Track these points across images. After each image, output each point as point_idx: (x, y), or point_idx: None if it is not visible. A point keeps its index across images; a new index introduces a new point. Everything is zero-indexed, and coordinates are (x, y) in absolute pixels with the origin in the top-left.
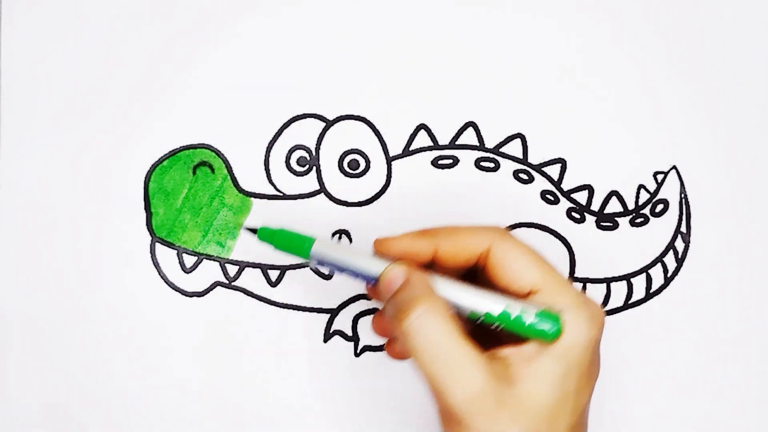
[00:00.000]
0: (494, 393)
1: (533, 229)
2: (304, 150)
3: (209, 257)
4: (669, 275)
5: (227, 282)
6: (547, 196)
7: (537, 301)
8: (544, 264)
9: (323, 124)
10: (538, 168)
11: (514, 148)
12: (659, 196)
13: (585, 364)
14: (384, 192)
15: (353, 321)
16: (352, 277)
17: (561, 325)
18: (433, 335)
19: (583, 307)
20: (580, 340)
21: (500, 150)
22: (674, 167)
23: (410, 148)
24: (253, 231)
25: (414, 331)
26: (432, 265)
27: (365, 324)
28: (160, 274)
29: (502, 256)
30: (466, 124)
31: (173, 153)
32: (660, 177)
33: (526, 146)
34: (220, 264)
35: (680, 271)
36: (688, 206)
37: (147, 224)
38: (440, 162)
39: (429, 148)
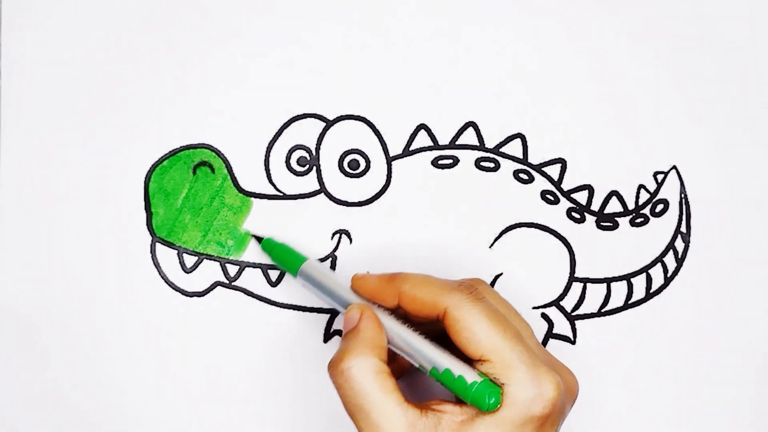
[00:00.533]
0: None
1: (533, 229)
2: (304, 150)
3: (209, 257)
4: (669, 275)
5: (227, 282)
6: (547, 196)
7: (485, 369)
8: (498, 334)
9: (323, 124)
10: (538, 168)
11: (514, 148)
12: (659, 196)
13: None
14: (384, 192)
15: None
16: (331, 305)
17: (500, 398)
18: (357, 387)
19: (529, 385)
20: (517, 417)
21: (500, 150)
22: (674, 167)
23: (410, 148)
24: (259, 239)
25: (342, 381)
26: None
27: None
28: (160, 274)
29: (455, 321)
30: (466, 124)
31: (173, 153)
32: (660, 177)
33: (526, 146)
34: (220, 264)
35: (680, 271)
36: (688, 206)
37: (147, 224)
38: (440, 162)
39: (429, 148)
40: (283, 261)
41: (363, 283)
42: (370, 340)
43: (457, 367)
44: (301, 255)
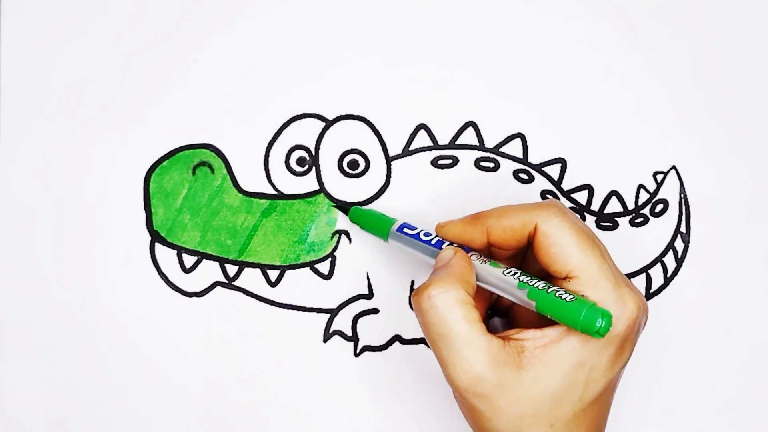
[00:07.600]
0: (495, 377)
1: None
2: (304, 150)
3: (209, 257)
4: (669, 275)
5: (227, 282)
6: (548, 196)
7: (572, 287)
8: (586, 250)
9: (323, 124)
10: (538, 168)
11: (514, 148)
12: (659, 196)
13: (603, 357)
14: (383, 192)
15: (353, 321)
16: (426, 261)
17: (611, 322)
18: (441, 315)
19: (614, 304)
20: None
21: (500, 150)
22: (674, 167)
23: (410, 148)
24: (344, 210)
25: (427, 306)
26: (490, 249)
27: (365, 324)
28: (159, 274)
29: (545, 237)
30: (466, 124)
31: (173, 153)
32: (660, 177)
33: (526, 146)
34: (220, 264)
35: (680, 271)
36: (688, 206)
37: (147, 224)
38: (440, 162)
39: (429, 148)
40: (371, 226)
41: (449, 228)
42: (459, 275)
43: (563, 293)
44: (388, 218)
